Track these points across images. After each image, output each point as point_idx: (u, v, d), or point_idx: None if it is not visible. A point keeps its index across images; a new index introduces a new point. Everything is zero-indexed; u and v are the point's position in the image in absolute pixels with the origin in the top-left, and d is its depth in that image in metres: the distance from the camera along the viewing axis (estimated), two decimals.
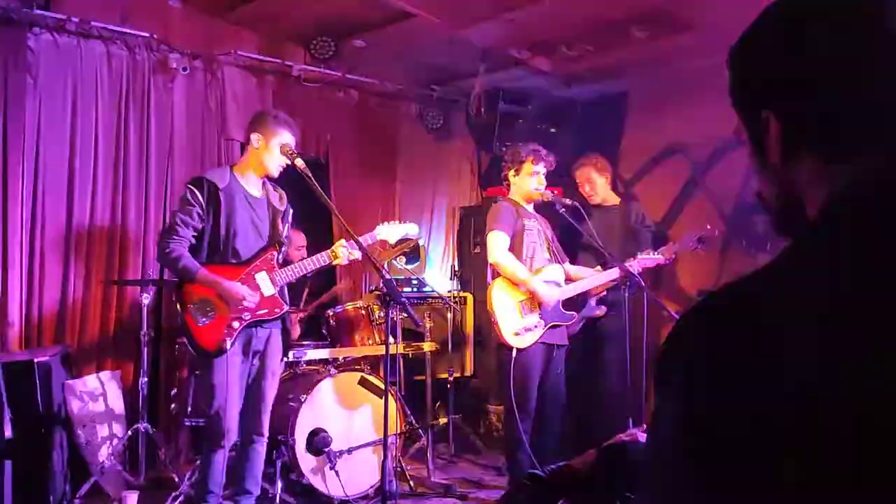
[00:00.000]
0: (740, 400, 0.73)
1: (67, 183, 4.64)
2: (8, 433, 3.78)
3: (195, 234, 3.60)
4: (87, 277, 4.68)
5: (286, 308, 3.74)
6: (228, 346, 3.53)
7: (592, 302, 4.50)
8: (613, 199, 5.14)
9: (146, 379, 4.33)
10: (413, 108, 6.35)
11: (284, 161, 3.69)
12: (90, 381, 4.39)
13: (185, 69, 5.05)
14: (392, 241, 4.09)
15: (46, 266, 4.55)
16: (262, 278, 3.66)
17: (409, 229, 4.15)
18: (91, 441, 4.25)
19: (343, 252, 3.75)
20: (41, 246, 4.54)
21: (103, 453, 4.23)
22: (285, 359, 3.92)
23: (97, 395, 4.36)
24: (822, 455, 0.70)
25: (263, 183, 3.81)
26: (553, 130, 5.93)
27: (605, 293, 4.54)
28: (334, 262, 3.78)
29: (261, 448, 3.74)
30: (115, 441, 4.31)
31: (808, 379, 0.71)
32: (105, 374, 4.50)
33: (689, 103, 5.51)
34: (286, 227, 3.88)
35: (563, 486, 1.72)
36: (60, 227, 4.61)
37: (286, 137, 3.69)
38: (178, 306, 3.59)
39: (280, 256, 3.79)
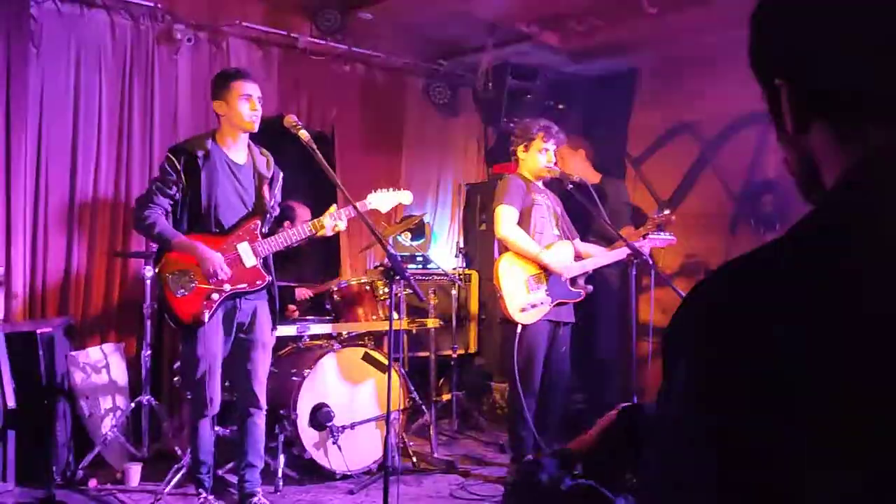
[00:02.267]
0: (751, 370, 0.72)
1: (71, 154, 4.61)
2: (11, 403, 3.78)
3: (172, 202, 3.53)
4: (91, 249, 4.67)
5: (269, 279, 3.65)
6: (206, 319, 3.48)
7: (581, 280, 4.45)
8: (593, 178, 5.09)
9: (149, 351, 4.33)
10: (420, 83, 6.29)
11: (253, 108, 3.55)
12: (93, 353, 4.39)
13: (189, 40, 5.00)
14: (384, 209, 3.93)
15: (50, 238, 4.53)
16: (243, 249, 3.58)
17: (402, 197, 3.98)
18: (94, 413, 4.26)
19: (328, 222, 3.65)
20: (45, 217, 4.52)
21: (106, 425, 4.24)
22: (275, 331, 3.82)
23: (100, 367, 4.36)
24: (828, 420, 0.69)
25: (249, 147, 3.69)
26: (561, 107, 5.87)
27: (590, 272, 4.50)
28: (318, 233, 3.68)
29: (259, 421, 3.72)
30: (118, 413, 4.31)
31: (821, 347, 0.70)
32: (108, 346, 4.50)
33: (699, 80, 5.44)
34: (276, 194, 3.76)
35: (577, 455, 1.69)
36: (64, 198, 4.59)
37: (241, 87, 3.54)
38: (158, 276, 3.53)
39: (265, 226, 3.68)
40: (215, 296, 3.52)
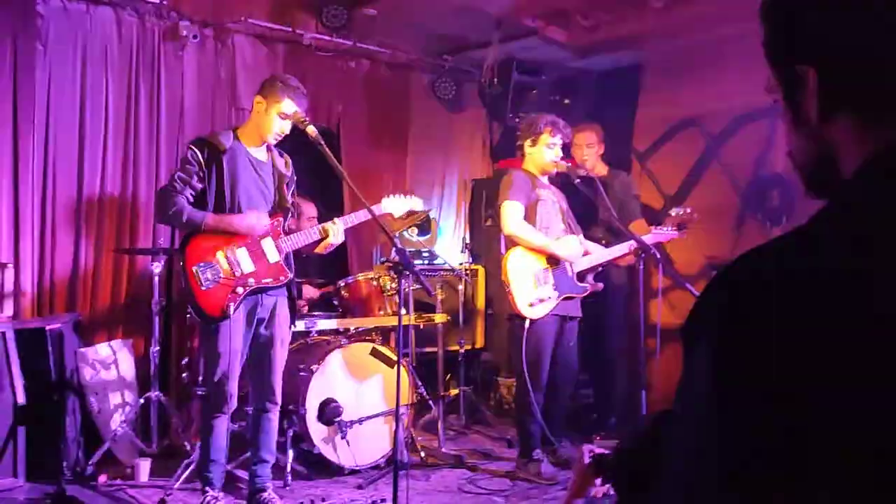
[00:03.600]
0: (775, 354, 0.72)
1: (78, 151, 4.62)
2: (21, 400, 3.80)
3: (194, 194, 3.53)
4: (98, 246, 4.68)
5: (291, 275, 3.68)
6: (232, 312, 3.48)
7: (590, 277, 4.46)
8: (601, 170, 5.08)
9: (157, 348, 4.34)
10: (425, 79, 6.29)
11: (282, 130, 3.60)
12: (102, 350, 4.41)
13: (195, 37, 5.00)
14: (397, 214, 4.01)
15: (58, 235, 4.54)
16: (267, 244, 3.61)
17: (414, 204, 4.06)
18: (103, 409, 4.27)
19: (332, 232, 3.68)
20: (52, 215, 4.53)
21: (115, 421, 4.26)
22: (293, 327, 3.87)
23: (109, 364, 4.38)
24: (849, 407, 0.69)
25: (268, 147, 3.72)
26: (567, 102, 5.86)
27: (600, 268, 4.50)
28: (324, 239, 3.70)
29: (274, 416, 3.74)
30: (128, 409, 4.33)
31: (842, 335, 0.70)
32: (117, 343, 4.52)
33: (705, 75, 5.43)
34: (291, 194, 3.80)
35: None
36: (71, 195, 4.60)
37: (287, 106, 3.57)
38: (182, 269, 3.53)
39: (286, 223, 3.72)
40: (240, 289, 3.53)
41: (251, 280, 3.56)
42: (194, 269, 3.50)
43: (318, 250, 3.83)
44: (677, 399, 0.83)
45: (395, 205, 3.98)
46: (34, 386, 3.88)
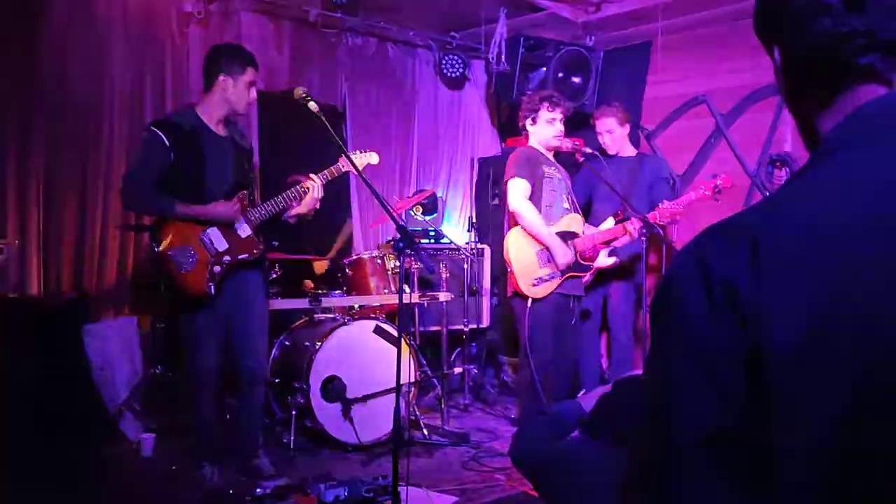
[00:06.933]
0: (738, 321, 0.74)
1: (84, 127, 4.61)
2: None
3: (159, 175, 3.50)
4: (105, 222, 4.68)
5: (263, 247, 3.72)
6: (213, 290, 3.53)
7: (604, 253, 4.44)
8: (629, 151, 5.02)
9: (162, 324, 4.36)
10: (432, 56, 6.24)
11: (251, 98, 3.66)
12: (108, 326, 4.44)
13: (200, 13, 4.97)
14: (355, 169, 3.95)
15: (64, 211, 4.55)
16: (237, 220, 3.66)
17: (370, 158, 4.02)
18: (109, 384, 4.30)
19: (311, 187, 3.73)
20: (58, 190, 4.53)
21: (121, 396, 4.29)
22: (269, 299, 3.94)
23: (115, 340, 4.40)
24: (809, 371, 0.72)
25: (226, 122, 3.70)
26: (575, 79, 5.80)
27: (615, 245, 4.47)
28: (308, 196, 3.75)
29: (257, 389, 3.80)
30: (133, 384, 4.36)
31: (801, 298, 0.73)
32: (122, 319, 4.55)
33: (714, 52, 5.37)
34: (251, 167, 3.85)
35: (574, 419, 1.72)
36: (77, 172, 4.60)
37: (255, 75, 3.65)
38: (158, 254, 3.50)
39: (251, 196, 3.73)
40: (217, 268, 3.57)
41: (227, 257, 3.59)
42: (171, 253, 3.50)
43: (301, 210, 3.79)
44: (645, 368, 0.85)
45: (352, 160, 3.76)
46: (40, 361, 3.91)
